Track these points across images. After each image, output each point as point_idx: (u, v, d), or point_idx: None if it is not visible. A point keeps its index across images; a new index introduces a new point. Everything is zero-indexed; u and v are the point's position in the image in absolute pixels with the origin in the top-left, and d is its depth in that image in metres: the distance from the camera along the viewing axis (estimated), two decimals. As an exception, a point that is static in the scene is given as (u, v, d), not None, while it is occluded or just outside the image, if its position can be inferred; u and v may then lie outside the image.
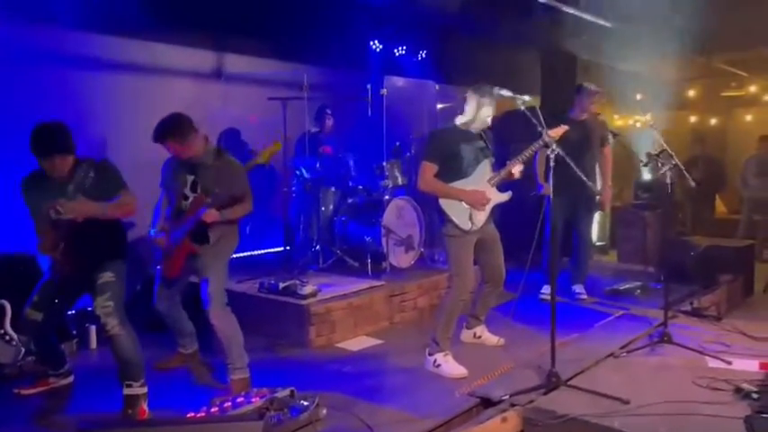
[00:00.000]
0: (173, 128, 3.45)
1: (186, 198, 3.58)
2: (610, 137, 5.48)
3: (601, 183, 5.45)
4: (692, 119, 11.57)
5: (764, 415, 3.05)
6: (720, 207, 10.20)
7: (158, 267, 3.76)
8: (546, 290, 5.22)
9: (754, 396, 3.29)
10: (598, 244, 8.01)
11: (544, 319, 3.65)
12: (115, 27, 5.15)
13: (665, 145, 4.18)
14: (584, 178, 3.81)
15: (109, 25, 5.08)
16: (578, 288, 5.51)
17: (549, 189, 4.69)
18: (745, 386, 3.38)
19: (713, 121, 11.49)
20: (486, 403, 3.39)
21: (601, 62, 8.02)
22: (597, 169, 5.45)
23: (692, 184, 4.31)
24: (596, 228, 7.53)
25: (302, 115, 5.51)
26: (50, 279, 3.27)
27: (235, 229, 3.71)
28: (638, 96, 11.13)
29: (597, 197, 5.21)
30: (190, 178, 3.58)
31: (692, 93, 10.70)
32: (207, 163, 3.55)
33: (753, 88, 10.30)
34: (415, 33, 7.38)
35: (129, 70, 5.45)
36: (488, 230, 4.08)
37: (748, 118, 11.23)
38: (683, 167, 3.99)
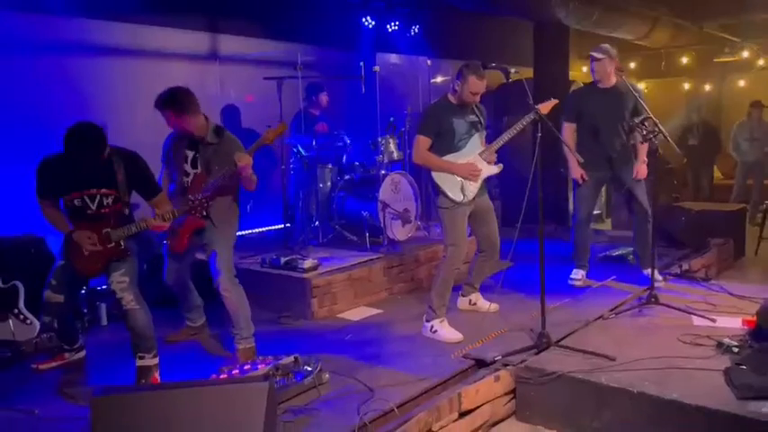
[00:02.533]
0: (172, 98, 3.56)
1: (187, 174, 3.71)
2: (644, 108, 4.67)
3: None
4: (687, 86, 11.64)
5: (742, 366, 3.22)
6: (716, 172, 10.33)
7: (165, 243, 3.91)
8: (576, 275, 5.10)
9: (735, 350, 3.46)
10: (594, 212, 8.16)
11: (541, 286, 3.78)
12: (109, 12, 5.25)
13: (649, 112, 4.29)
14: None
15: (103, 10, 5.18)
16: (648, 272, 4.70)
17: (578, 172, 4.78)
18: (727, 341, 3.54)
19: (707, 88, 11.56)
20: (481, 364, 3.57)
21: (594, 31, 8.06)
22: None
23: (678, 151, 4.42)
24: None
25: (297, 94, 5.62)
26: (65, 262, 3.40)
27: (235, 205, 3.85)
28: (632, 65, 11.21)
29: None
30: (190, 154, 3.70)
31: (685, 59, 10.74)
32: (207, 140, 3.67)
33: (746, 53, 10.33)
34: (408, 8, 7.45)
35: (125, 54, 5.55)
36: (482, 202, 4.23)
37: (741, 83, 11.29)
38: (666, 135, 4.10)
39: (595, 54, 4.74)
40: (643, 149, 4.78)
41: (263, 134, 3.63)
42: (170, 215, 3.37)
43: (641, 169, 4.84)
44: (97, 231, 3.30)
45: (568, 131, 4.85)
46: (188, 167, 3.71)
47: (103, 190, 3.29)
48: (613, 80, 4.80)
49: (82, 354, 3.83)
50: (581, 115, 4.76)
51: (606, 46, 4.79)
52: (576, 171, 4.87)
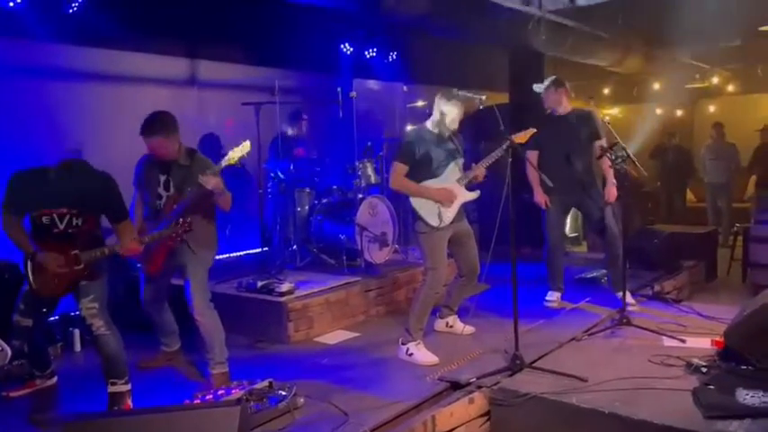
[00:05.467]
0: (162, 123, 3.59)
1: (160, 197, 3.73)
2: (602, 131, 4.97)
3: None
4: (658, 111, 11.92)
5: (710, 386, 3.28)
6: (690, 195, 10.55)
7: (140, 266, 3.90)
8: (551, 296, 5.17)
9: (703, 370, 3.53)
10: (571, 235, 8.28)
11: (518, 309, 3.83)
12: (88, 37, 5.27)
13: (617, 137, 4.41)
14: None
15: (82, 36, 5.20)
16: (620, 294, 4.69)
17: (542, 198, 4.92)
18: (696, 361, 3.62)
19: (679, 113, 11.85)
20: (455, 386, 3.59)
21: (569, 59, 8.25)
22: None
23: (644, 173, 4.54)
24: (570, 220, 7.79)
25: (274, 119, 5.68)
26: (29, 286, 3.36)
27: (213, 229, 3.86)
28: (606, 90, 11.47)
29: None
30: (162, 177, 3.72)
31: (657, 86, 11.02)
32: (180, 162, 3.70)
33: (715, 80, 10.64)
34: (385, 36, 7.58)
35: (104, 80, 5.59)
36: (461, 227, 4.30)
37: (712, 108, 11.60)
38: (634, 159, 4.21)
39: (536, 89, 5.03)
40: (611, 173, 4.90)
41: (228, 154, 3.64)
42: (146, 239, 3.38)
43: (611, 192, 4.92)
44: (65, 252, 3.27)
45: (532, 158, 4.93)
46: (161, 190, 3.73)
47: (74, 210, 3.26)
48: (568, 107, 5.02)
49: (53, 380, 3.78)
50: (541, 143, 4.87)
51: (550, 79, 5.05)
52: (539, 197, 4.99)
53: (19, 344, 3.38)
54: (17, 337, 3.37)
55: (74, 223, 3.29)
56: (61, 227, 3.28)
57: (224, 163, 3.62)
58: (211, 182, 3.53)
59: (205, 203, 3.76)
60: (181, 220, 3.42)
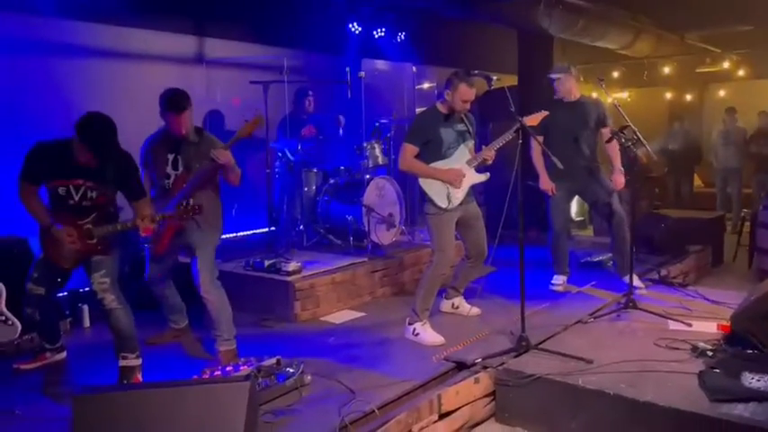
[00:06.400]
0: (188, 98, 3.64)
1: (168, 177, 3.73)
2: (608, 119, 5.00)
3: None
4: (668, 95, 11.82)
5: (716, 370, 3.30)
6: (697, 180, 10.50)
7: (147, 246, 3.92)
8: (557, 280, 5.18)
9: (709, 354, 3.54)
10: (577, 219, 8.27)
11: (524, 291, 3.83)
12: (96, 14, 5.24)
13: (628, 121, 4.38)
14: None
15: (89, 12, 5.17)
16: (627, 278, 4.73)
17: (549, 185, 4.91)
18: (701, 345, 3.63)
19: (689, 97, 11.75)
20: (461, 367, 3.62)
21: (578, 40, 8.17)
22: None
23: (654, 158, 4.51)
24: (575, 204, 7.77)
25: (283, 98, 5.66)
26: (46, 256, 3.41)
27: (219, 208, 3.88)
28: (615, 74, 11.37)
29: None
30: (171, 156, 3.72)
31: (667, 69, 10.92)
32: (189, 139, 3.72)
33: (726, 64, 10.53)
34: (395, 15, 7.51)
35: (112, 56, 5.55)
36: (470, 209, 4.29)
37: (722, 93, 11.50)
38: (645, 143, 4.19)
39: (553, 75, 5.00)
40: (617, 158, 4.92)
41: (241, 128, 3.66)
42: (157, 218, 3.40)
43: (617, 179, 4.94)
44: (77, 226, 3.30)
45: (537, 144, 4.91)
46: (169, 169, 3.74)
47: (90, 183, 3.29)
48: (577, 94, 5.02)
49: (63, 354, 3.82)
50: (548, 129, 4.85)
51: (563, 65, 5.08)
52: (546, 184, 4.97)
53: (31, 311, 3.43)
54: (30, 304, 3.42)
55: (89, 196, 3.31)
56: (76, 198, 3.30)
57: (237, 137, 3.63)
58: (223, 156, 3.54)
59: (212, 181, 3.78)
60: (192, 201, 3.42)
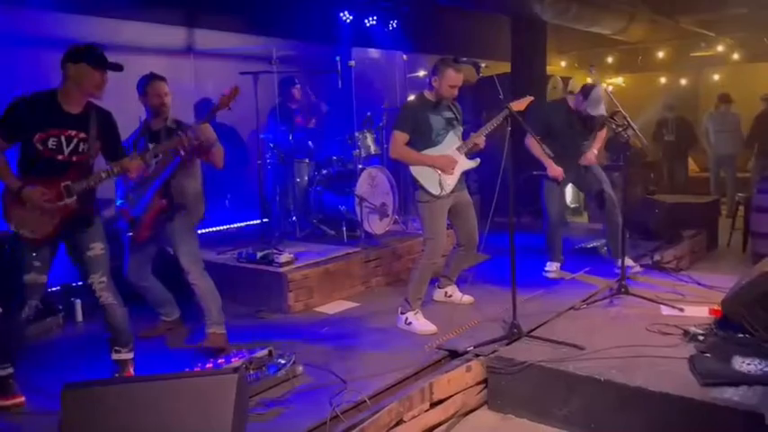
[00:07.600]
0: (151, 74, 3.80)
1: (149, 166, 3.71)
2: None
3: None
4: (663, 80, 11.78)
5: (706, 354, 3.30)
6: (692, 165, 10.49)
7: (128, 236, 3.92)
8: (550, 267, 5.21)
9: (700, 338, 3.54)
10: (572, 206, 8.26)
11: (517, 278, 3.82)
12: (83, 5, 5.20)
13: (619, 107, 4.36)
14: None
15: (77, 4, 5.13)
16: (627, 261, 4.76)
17: (557, 171, 4.90)
18: (693, 329, 3.63)
19: (683, 82, 11.71)
20: (453, 355, 3.62)
21: (571, 26, 8.12)
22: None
23: (646, 143, 4.49)
24: (570, 191, 7.76)
25: (272, 88, 5.62)
26: (25, 238, 3.12)
27: (200, 192, 3.90)
28: (609, 59, 11.32)
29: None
30: (151, 147, 3.71)
31: (661, 54, 10.87)
32: (168, 126, 3.79)
33: (721, 48, 10.48)
34: (386, 3, 7.45)
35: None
36: (461, 196, 4.28)
37: (717, 77, 11.46)
38: (635, 128, 4.17)
39: (572, 93, 5.01)
40: (599, 139, 4.96)
41: (218, 100, 3.57)
42: (147, 158, 3.33)
43: (589, 156, 4.94)
44: (55, 186, 3.06)
45: (532, 140, 4.87)
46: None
47: (82, 134, 3.12)
48: None
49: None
50: (550, 129, 4.84)
51: (590, 86, 4.87)
52: (554, 170, 4.92)
53: (35, 303, 3.22)
54: (32, 296, 3.20)
55: (79, 149, 3.11)
56: (66, 152, 3.08)
57: (215, 109, 3.55)
58: (206, 131, 3.53)
59: (193, 165, 3.82)
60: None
